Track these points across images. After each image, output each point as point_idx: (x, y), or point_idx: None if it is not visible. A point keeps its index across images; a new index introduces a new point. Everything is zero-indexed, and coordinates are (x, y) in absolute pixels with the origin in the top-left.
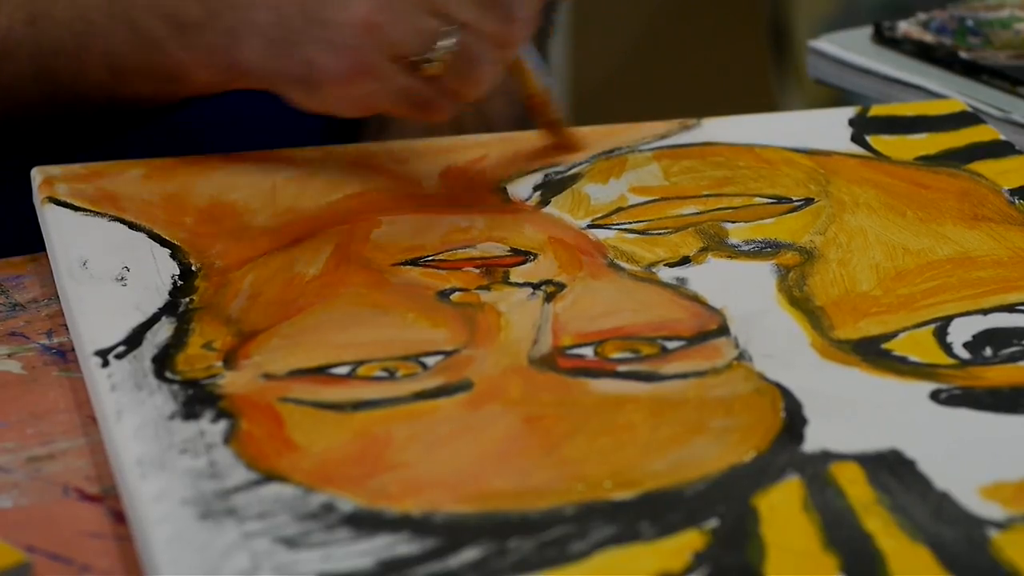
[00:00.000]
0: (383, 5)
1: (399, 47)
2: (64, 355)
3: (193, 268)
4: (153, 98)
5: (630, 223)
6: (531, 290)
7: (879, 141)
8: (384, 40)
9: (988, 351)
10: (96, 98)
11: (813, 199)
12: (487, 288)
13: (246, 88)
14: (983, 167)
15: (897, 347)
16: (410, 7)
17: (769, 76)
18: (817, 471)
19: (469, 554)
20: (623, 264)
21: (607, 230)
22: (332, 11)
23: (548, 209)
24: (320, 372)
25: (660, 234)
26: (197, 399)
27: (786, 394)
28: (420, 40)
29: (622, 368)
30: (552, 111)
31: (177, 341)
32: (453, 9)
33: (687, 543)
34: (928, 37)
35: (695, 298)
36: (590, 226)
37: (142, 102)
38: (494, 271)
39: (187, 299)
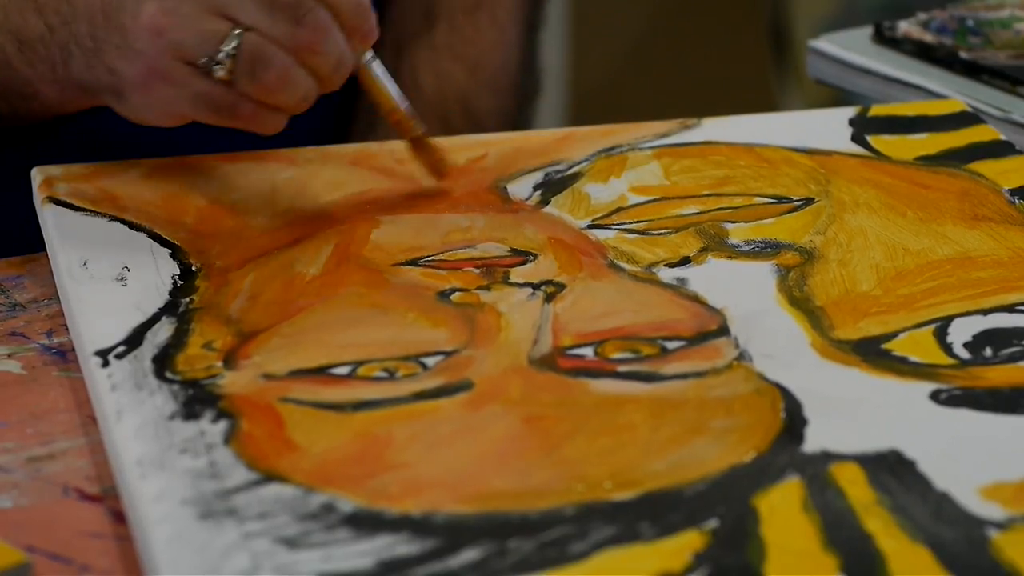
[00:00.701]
0: (169, 8)
1: (185, 50)
2: (64, 355)
3: (193, 268)
4: (14, 116)
5: (630, 223)
6: (531, 290)
7: (879, 141)
8: (171, 43)
9: (988, 351)
10: None
11: (813, 199)
12: (487, 288)
13: (92, 105)
14: (983, 167)
15: (897, 347)
16: (196, 10)
17: (769, 76)
18: (817, 471)
19: (469, 554)
20: (623, 264)
21: (607, 230)
22: (126, 17)
23: (548, 209)
24: (320, 372)
25: (660, 234)
26: (197, 399)
27: (786, 394)
28: (205, 42)
29: (622, 368)
30: (414, 127)
31: (177, 341)
32: (237, 11)
33: (687, 543)
34: (928, 37)
35: (695, 298)
36: (590, 226)
37: (6, 120)
38: (494, 271)
39: (187, 299)
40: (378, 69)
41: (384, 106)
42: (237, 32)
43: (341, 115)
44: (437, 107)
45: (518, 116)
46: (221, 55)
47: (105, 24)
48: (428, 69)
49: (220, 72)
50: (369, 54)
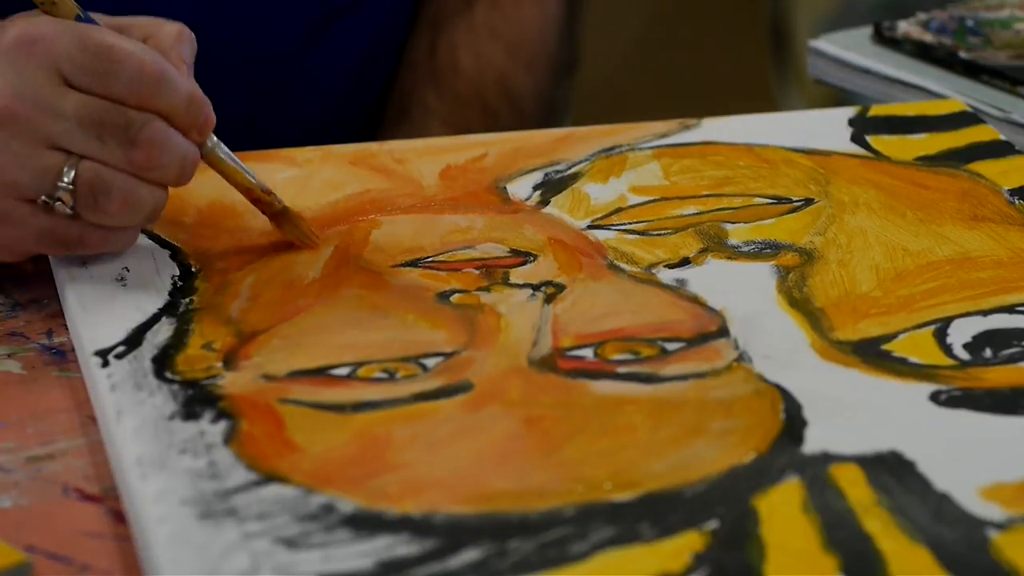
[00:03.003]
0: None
1: (21, 189)
2: (64, 355)
3: (193, 269)
4: None
5: (630, 223)
6: (531, 291)
7: (879, 141)
8: (3, 184)
9: (988, 352)
10: None
11: (813, 199)
12: (487, 289)
13: None
14: (983, 167)
15: (897, 348)
16: (25, 146)
17: (769, 76)
18: (817, 472)
19: (469, 555)
20: (623, 265)
21: (607, 231)
22: None
23: (548, 209)
24: (320, 373)
25: (660, 235)
26: (197, 399)
27: (786, 395)
28: (40, 179)
29: (622, 369)
30: (273, 202)
31: (177, 341)
32: (68, 142)
33: (687, 544)
34: (928, 37)
35: (695, 299)
36: (590, 227)
37: None
38: (494, 272)
39: (187, 299)
40: (223, 152)
41: (241, 185)
42: (72, 163)
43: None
44: (476, 88)
45: (556, 94)
46: (59, 191)
47: None
48: (467, 49)
49: (62, 208)
50: (212, 139)
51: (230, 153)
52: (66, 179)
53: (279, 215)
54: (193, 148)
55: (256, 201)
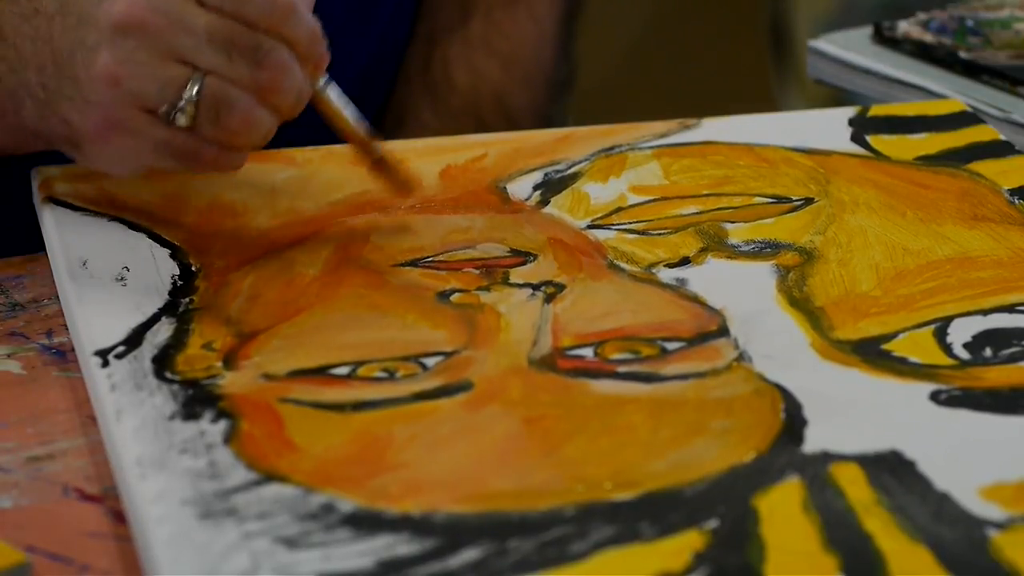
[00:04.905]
0: (125, 57)
1: (144, 98)
2: (64, 355)
3: (193, 268)
4: None
5: (630, 223)
6: (531, 291)
7: (879, 141)
8: (127, 93)
9: (988, 352)
10: None
11: (813, 199)
12: (487, 289)
13: (44, 151)
14: (983, 167)
15: (897, 348)
16: (153, 57)
17: (769, 76)
18: (817, 472)
19: (469, 554)
20: (623, 265)
21: (607, 231)
22: (79, 68)
23: (548, 209)
24: (320, 373)
25: (660, 234)
26: (197, 399)
27: (786, 395)
28: (164, 90)
29: (622, 369)
30: (375, 149)
31: (177, 341)
32: (196, 56)
33: (687, 543)
34: (928, 37)
35: (695, 299)
36: (590, 226)
37: None
38: (494, 272)
39: (187, 299)
40: (333, 93)
41: (343, 130)
42: (197, 77)
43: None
44: (471, 103)
45: (551, 110)
46: (182, 102)
47: (56, 74)
48: (462, 64)
49: (182, 119)
50: (324, 79)
51: (341, 96)
52: (191, 91)
53: (378, 163)
54: (307, 82)
55: (358, 146)
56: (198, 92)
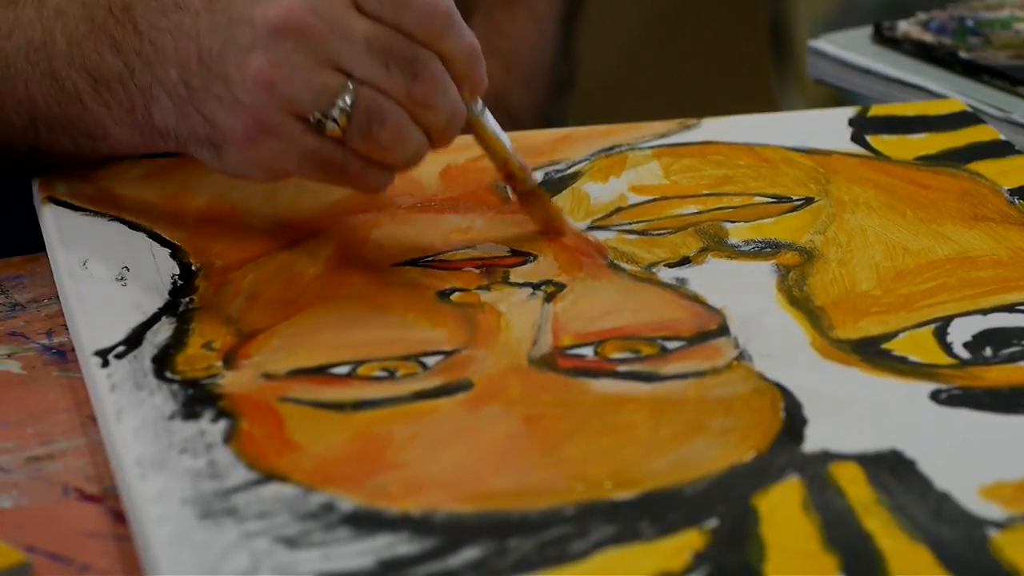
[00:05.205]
0: (280, 60)
1: (296, 104)
2: (64, 355)
3: (193, 268)
4: (74, 152)
5: (630, 223)
6: (531, 290)
7: (879, 141)
8: (281, 96)
9: (988, 351)
10: (18, 145)
11: (813, 198)
12: (487, 288)
13: (167, 151)
14: (983, 167)
15: (897, 347)
16: (310, 61)
17: (769, 76)
18: (817, 471)
19: (469, 554)
20: (623, 264)
21: (607, 231)
22: (230, 67)
23: None
24: (320, 372)
25: (660, 234)
26: (197, 399)
27: (786, 394)
28: (318, 96)
29: (622, 368)
30: (527, 180)
31: (177, 341)
32: (352, 64)
33: (687, 543)
34: (928, 37)
35: (695, 298)
36: (590, 227)
37: (62, 155)
38: (494, 271)
39: (187, 299)
40: (490, 120)
41: (497, 157)
42: (352, 86)
43: None
44: None
45: (552, 110)
46: (335, 111)
47: (203, 72)
48: None
49: (332, 128)
50: (479, 103)
51: (495, 123)
52: (345, 100)
53: (528, 194)
54: (462, 103)
55: (509, 176)
56: (351, 102)
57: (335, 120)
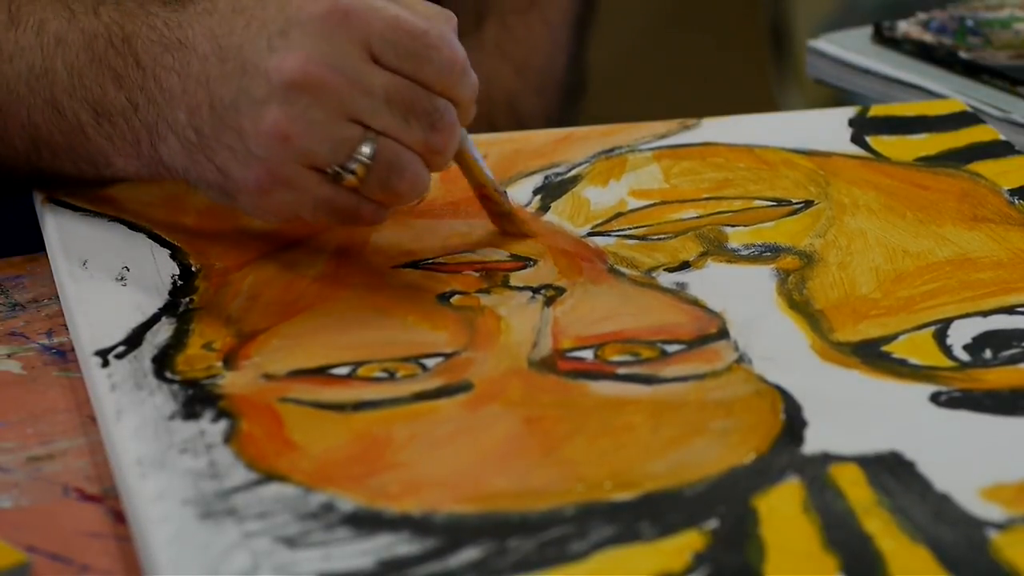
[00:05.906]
0: (297, 115)
1: (314, 157)
2: (64, 355)
3: (193, 268)
4: (78, 177)
5: (630, 228)
6: (531, 294)
7: (879, 141)
8: (297, 150)
9: (988, 353)
10: (21, 168)
11: (813, 201)
12: (487, 291)
13: (172, 180)
14: (983, 167)
15: (897, 349)
16: (327, 116)
17: (769, 76)
18: (817, 473)
19: (469, 554)
20: (623, 269)
21: (607, 236)
22: (244, 120)
23: (548, 216)
24: (320, 372)
25: (660, 239)
26: (197, 399)
27: (786, 396)
28: (337, 149)
29: (622, 370)
30: (503, 203)
31: (177, 341)
32: (372, 118)
33: (687, 544)
34: (928, 37)
35: (695, 302)
36: (590, 234)
37: (66, 178)
38: (494, 275)
39: (187, 299)
40: (471, 144)
41: (478, 182)
42: (371, 138)
43: None
44: (483, 108)
45: (562, 116)
46: (354, 163)
47: (214, 121)
48: (475, 69)
49: (351, 179)
50: (463, 130)
51: (475, 148)
52: (364, 153)
53: (504, 216)
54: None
55: (485, 199)
56: (371, 154)
57: (352, 171)
